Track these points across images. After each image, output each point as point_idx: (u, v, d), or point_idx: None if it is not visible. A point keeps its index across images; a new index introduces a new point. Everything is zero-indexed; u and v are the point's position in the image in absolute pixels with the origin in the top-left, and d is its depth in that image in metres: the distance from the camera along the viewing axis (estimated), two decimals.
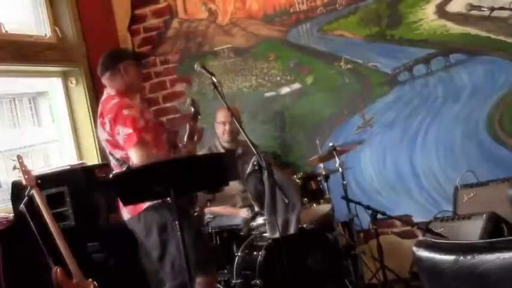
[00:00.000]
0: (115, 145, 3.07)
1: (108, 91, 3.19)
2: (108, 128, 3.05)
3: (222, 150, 4.18)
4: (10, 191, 3.85)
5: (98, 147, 4.67)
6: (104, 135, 3.11)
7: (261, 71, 4.81)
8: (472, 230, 3.35)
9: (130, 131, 2.96)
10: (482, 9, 3.31)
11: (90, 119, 4.68)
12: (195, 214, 3.23)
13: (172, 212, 2.82)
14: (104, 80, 3.22)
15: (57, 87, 4.83)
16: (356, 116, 4.52)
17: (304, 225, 3.73)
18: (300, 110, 4.70)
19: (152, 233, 3.05)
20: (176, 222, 2.75)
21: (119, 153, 3.09)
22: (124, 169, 3.09)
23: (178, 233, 2.76)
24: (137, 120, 3.00)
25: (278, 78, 4.75)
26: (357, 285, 3.95)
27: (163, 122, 3.51)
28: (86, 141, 4.74)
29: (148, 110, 3.32)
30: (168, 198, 2.82)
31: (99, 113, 3.14)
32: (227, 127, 4.17)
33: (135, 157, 2.96)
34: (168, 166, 2.77)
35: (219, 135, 4.27)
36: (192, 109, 3.26)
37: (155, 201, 3.00)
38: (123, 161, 3.08)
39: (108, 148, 3.14)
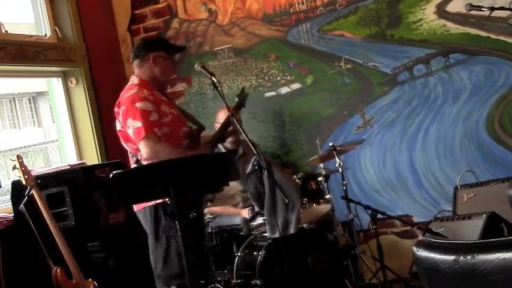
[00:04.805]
0: (126, 138, 3.08)
1: (133, 79, 3.18)
2: (120, 119, 3.05)
3: (223, 151, 4.17)
4: (10, 191, 3.86)
5: (98, 147, 4.68)
6: (117, 126, 3.12)
7: (261, 71, 4.82)
8: (472, 230, 3.35)
9: (139, 124, 2.96)
10: (482, 9, 3.30)
11: (90, 119, 4.69)
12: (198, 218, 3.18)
13: (170, 213, 2.81)
14: (133, 66, 3.23)
15: (57, 87, 4.83)
16: (356, 116, 4.52)
17: (304, 225, 3.73)
18: (300, 110, 4.70)
19: (149, 230, 3.06)
20: (175, 224, 2.74)
21: (129, 146, 3.10)
22: (134, 161, 3.09)
23: (174, 236, 2.75)
24: (148, 114, 2.98)
25: (278, 78, 4.75)
26: (357, 285, 3.95)
27: (189, 115, 3.45)
28: (86, 141, 4.74)
29: (171, 103, 3.27)
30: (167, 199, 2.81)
31: (116, 102, 3.14)
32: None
33: (143, 151, 2.97)
34: (167, 166, 2.76)
35: None
36: (237, 99, 3.24)
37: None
38: (134, 154, 3.09)
39: (121, 139, 3.15)
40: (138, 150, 3.03)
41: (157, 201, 2.98)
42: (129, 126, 2.99)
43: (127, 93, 3.07)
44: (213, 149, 3.23)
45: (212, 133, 3.37)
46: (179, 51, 3.48)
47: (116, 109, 3.12)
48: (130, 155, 3.14)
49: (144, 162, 3.02)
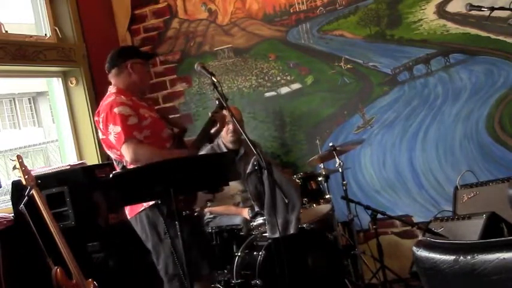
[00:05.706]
0: (109, 145, 3.06)
1: (110, 88, 3.18)
2: (102, 127, 3.04)
3: (225, 150, 4.16)
4: (10, 191, 3.86)
5: (98, 147, 4.68)
6: (100, 134, 3.11)
7: (261, 71, 4.82)
8: (472, 230, 3.35)
9: (119, 129, 2.95)
10: (482, 9, 3.30)
11: (90, 119, 4.68)
12: (194, 215, 3.19)
13: (166, 213, 2.80)
14: (110, 77, 3.21)
15: (57, 87, 4.83)
16: (356, 116, 4.52)
17: (304, 225, 3.73)
18: (300, 110, 4.70)
19: (148, 236, 3.05)
20: (176, 223, 2.73)
21: (113, 153, 3.08)
22: (120, 168, 3.08)
23: (176, 234, 2.74)
24: (127, 118, 2.97)
25: (278, 78, 4.75)
26: (357, 285, 3.95)
27: (170, 118, 3.47)
28: (86, 141, 4.74)
29: (150, 107, 3.28)
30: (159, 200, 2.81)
31: (96, 111, 3.14)
32: (231, 127, 4.15)
33: (125, 155, 2.96)
34: (168, 166, 2.76)
35: (222, 135, 4.24)
36: (217, 102, 3.24)
37: (150, 203, 2.97)
38: (119, 160, 3.08)
39: (105, 147, 3.14)
40: (122, 156, 3.02)
41: (149, 204, 2.98)
42: (110, 132, 2.98)
43: (105, 101, 3.08)
44: (198, 151, 3.23)
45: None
46: (151, 57, 3.57)
47: (96, 118, 3.12)
48: (115, 162, 3.13)
49: (130, 167, 3.02)
